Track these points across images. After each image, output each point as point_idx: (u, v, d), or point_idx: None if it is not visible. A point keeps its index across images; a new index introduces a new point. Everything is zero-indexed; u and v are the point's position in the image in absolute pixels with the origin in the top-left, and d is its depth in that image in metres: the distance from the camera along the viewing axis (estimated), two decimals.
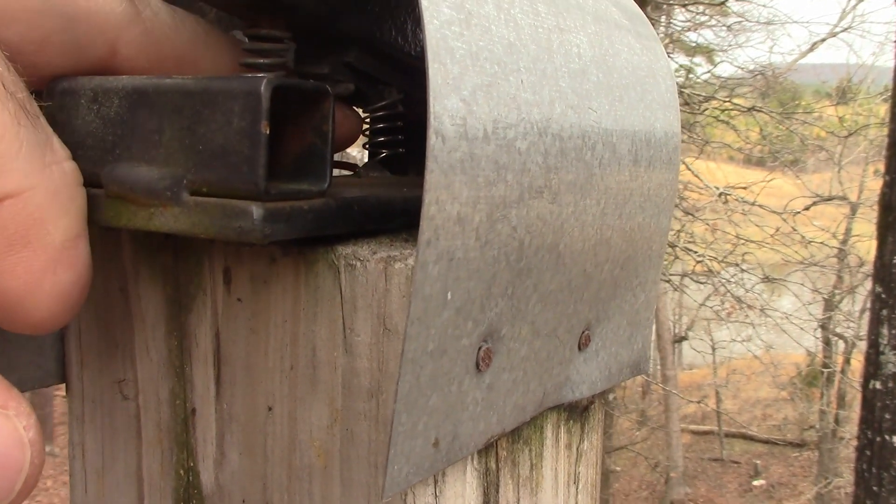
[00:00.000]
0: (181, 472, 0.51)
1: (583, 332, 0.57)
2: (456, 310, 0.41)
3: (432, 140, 0.37)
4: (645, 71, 0.60)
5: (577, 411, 0.60)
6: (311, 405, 0.46)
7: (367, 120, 0.63)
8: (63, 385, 0.58)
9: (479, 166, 0.40)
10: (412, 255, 0.45)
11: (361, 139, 0.64)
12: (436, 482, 0.46)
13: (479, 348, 0.44)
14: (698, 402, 11.96)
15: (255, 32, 0.49)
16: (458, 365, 0.42)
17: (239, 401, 0.48)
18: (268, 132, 0.40)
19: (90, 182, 0.44)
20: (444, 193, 0.38)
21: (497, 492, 0.52)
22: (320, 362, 0.46)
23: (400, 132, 0.63)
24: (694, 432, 14.10)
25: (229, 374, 0.49)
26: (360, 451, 0.45)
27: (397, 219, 0.50)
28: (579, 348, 0.57)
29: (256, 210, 0.40)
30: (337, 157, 0.69)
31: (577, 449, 0.61)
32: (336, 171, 0.67)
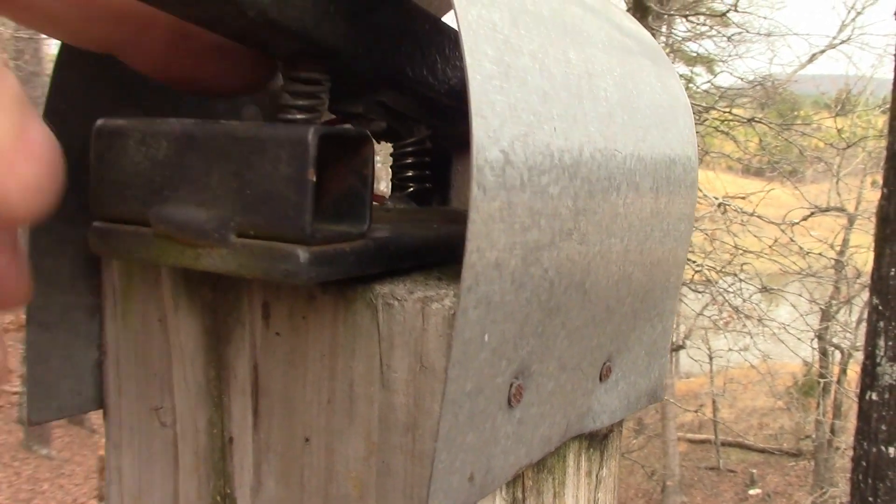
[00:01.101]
0: (218, 498, 0.53)
1: (604, 364, 0.58)
2: (492, 350, 0.43)
3: (475, 191, 0.39)
4: (666, 109, 0.62)
5: (597, 439, 0.62)
6: (348, 438, 0.48)
7: (395, 155, 0.65)
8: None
9: (515, 214, 0.42)
10: (447, 295, 0.46)
11: (392, 173, 0.66)
12: None
13: (511, 385, 0.46)
14: (695, 412, 11.98)
15: (294, 75, 0.51)
16: (492, 402, 0.44)
17: (276, 431, 0.50)
18: (314, 179, 0.42)
19: (137, 221, 0.46)
20: (483, 242, 0.40)
21: None
22: (357, 396, 0.47)
23: (427, 167, 0.65)
24: (690, 441, 14.11)
25: (267, 406, 0.50)
26: (396, 482, 0.47)
27: (430, 256, 0.52)
28: (601, 379, 0.59)
29: (303, 254, 0.41)
30: None
31: (597, 476, 0.63)
32: None
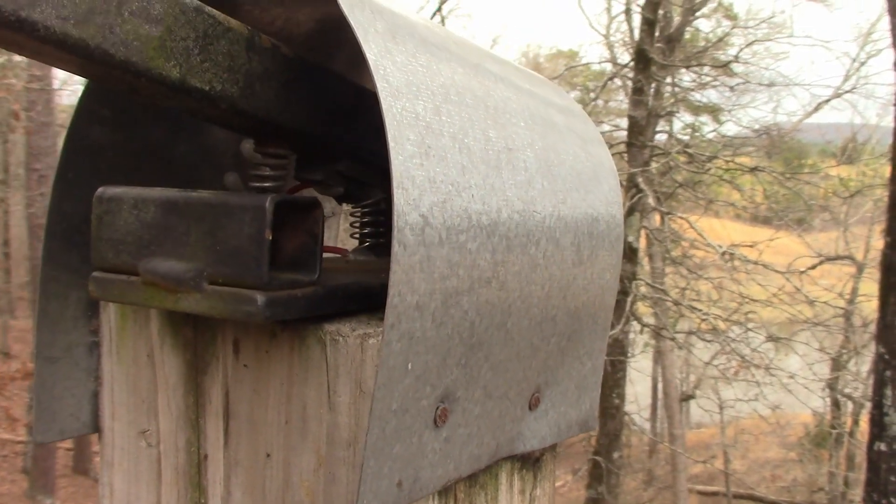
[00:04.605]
0: None
1: (533, 395, 0.67)
2: (416, 377, 0.52)
3: (396, 248, 0.49)
4: (589, 175, 0.72)
5: (529, 461, 0.71)
6: (302, 453, 0.57)
7: (353, 215, 0.76)
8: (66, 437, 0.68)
9: (434, 265, 0.52)
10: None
11: (350, 229, 0.76)
12: None
13: (437, 408, 0.55)
14: (704, 462, 11.86)
15: (263, 150, 0.61)
16: (418, 421, 0.53)
17: (244, 448, 0.59)
18: (271, 238, 0.52)
19: (129, 271, 0.56)
20: (405, 287, 0.49)
21: None
22: (309, 417, 0.57)
23: (382, 225, 0.76)
24: (701, 493, 13.93)
25: (236, 427, 0.60)
26: (340, 490, 0.56)
27: (375, 300, 0.62)
28: (530, 408, 0.68)
29: (261, 298, 0.51)
30: (331, 243, 0.81)
31: (531, 495, 0.71)
32: (331, 254, 0.79)
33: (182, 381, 0.61)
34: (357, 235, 0.77)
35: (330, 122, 0.64)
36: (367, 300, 0.62)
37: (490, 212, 0.57)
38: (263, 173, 0.61)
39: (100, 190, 0.58)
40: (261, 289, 0.52)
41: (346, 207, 0.87)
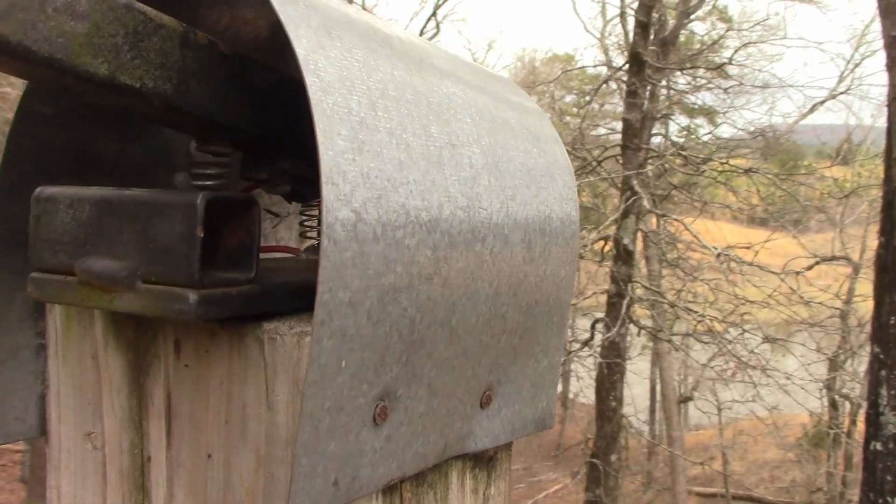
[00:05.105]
0: None
1: (484, 393, 0.67)
2: (351, 375, 0.51)
3: (325, 244, 0.48)
4: (541, 172, 0.72)
5: (483, 460, 0.70)
6: (242, 453, 0.56)
7: (303, 213, 0.75)
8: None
9: (368, 261, 0.51)
10: None
11: (300, 228, 0.76)
12: None
13: (376, 406, 0.54)
14: (702, 464, 11.85)
15: (204, 148, 0.61)
16: (354, 419, 0.53)
17: (185, 450, 0.59)
18: (202, 235, 0.51)
19: (66, 272, 0.56)
20: (335, 284, 0.49)
21: None
22: (249, 417, 0.56)
23: None
24: (700, 494, 13.91)
25: (178, 428, 0.59)
26: (280, 490, 0.55)
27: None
28: (481, 406, 0.67)
29: (192, 296, 0.51)
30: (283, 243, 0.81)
31: (484, 494, 0.70)
32: (282, 254, 0.78)
33: (126, 382, 0.61)
34: (309, 234, 0.76)
35: (273, 121, 0.63)
36: (311, 298, 0.61)
37: (430, 208, 0.56)
38: (206, 171, 0.60)
39: (37, 190, 0.58)
40: (193, 287, 0.51)
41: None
